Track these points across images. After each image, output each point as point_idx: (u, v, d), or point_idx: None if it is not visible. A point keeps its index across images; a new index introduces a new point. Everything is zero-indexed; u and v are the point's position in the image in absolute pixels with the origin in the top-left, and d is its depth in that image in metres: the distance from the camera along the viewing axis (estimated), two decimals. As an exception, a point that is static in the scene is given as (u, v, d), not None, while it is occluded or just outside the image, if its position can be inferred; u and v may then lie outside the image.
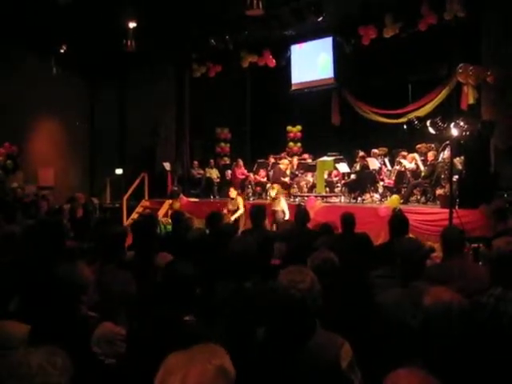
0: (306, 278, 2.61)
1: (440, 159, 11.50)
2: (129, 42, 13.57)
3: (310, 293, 2.56)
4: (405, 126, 10.49)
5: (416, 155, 12.27)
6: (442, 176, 11.14)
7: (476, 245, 6.18)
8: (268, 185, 13.34)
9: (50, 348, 1.69)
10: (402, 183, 12.26)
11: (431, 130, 8.77)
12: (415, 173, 12.02)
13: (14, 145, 15.62)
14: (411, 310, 2.30)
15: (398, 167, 12.72)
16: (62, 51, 15.35)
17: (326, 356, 2.52)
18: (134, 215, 15.58)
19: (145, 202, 16.23)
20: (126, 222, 15.35)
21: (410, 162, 12.24)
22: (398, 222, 5.42)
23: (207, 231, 5.87)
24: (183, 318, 2.85)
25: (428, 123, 8.77)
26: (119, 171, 18.26)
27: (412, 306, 2.32)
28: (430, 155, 11.68)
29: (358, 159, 13.31)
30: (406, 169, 12.26)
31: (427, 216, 10.22)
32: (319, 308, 2.61)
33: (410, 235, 5.99)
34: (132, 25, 13.44)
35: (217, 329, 3.08)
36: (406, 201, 11.52)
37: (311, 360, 2.50)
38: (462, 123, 8.85)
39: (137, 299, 3.51)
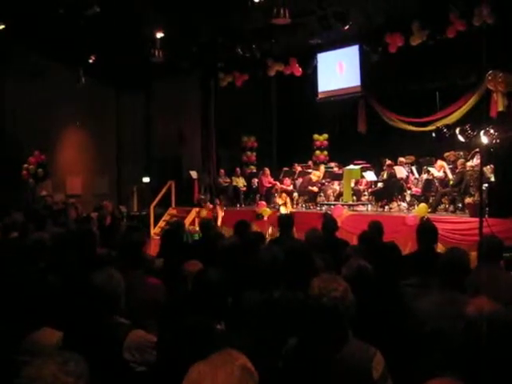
0: (339, 287, 2.58)
1: (468, 167, 11.37)
2: (156, 52, 13.74)
3: (343, 301, 2.54)
4: (433, 134, 10.37)
5: (444, 163, 12.14)
6: (471, 184, 11.01)
7: (508, 254, 6.06)
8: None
9: (63, 355, 1.72)
10: (430, 191, 12.14)
11: (460, 138, 8.64)
12: (443, 181, 11.88)
13: (43, 154, 15.87)
14: (451, 319, 2.25)
15: (425, 175, 12.59)
16: (90, 62, 15.56)
17: (358, 366, 2.49)
18: (161, 223, 15.71)
19: (172, 210, 16.34)
20: (154, 230, 15.51)
21: (438, 170, 12.11)
22: (426, 231, 5.29)
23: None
24: (215, 327, 2.84)
25: (457, 131, 8.64)
26: (146, 179, 18.45)
27: (452, 315, 2.27)
28: (459, 163, 11.55)
29: (385, 167, 13.24)
30: (434, 177, 12.13)
31: (456, 225, 10.09)
32: (352, 317, 2.58)
33: (439, 244, 5.90)
34: (159, 35, 13.60)
35: (245, 338, 3.06)
36: (434, 209, 11.40)
37: (343, 370, 2.47)
38: (492, 131, 8.71)
39: (167, 307, 3.52)
